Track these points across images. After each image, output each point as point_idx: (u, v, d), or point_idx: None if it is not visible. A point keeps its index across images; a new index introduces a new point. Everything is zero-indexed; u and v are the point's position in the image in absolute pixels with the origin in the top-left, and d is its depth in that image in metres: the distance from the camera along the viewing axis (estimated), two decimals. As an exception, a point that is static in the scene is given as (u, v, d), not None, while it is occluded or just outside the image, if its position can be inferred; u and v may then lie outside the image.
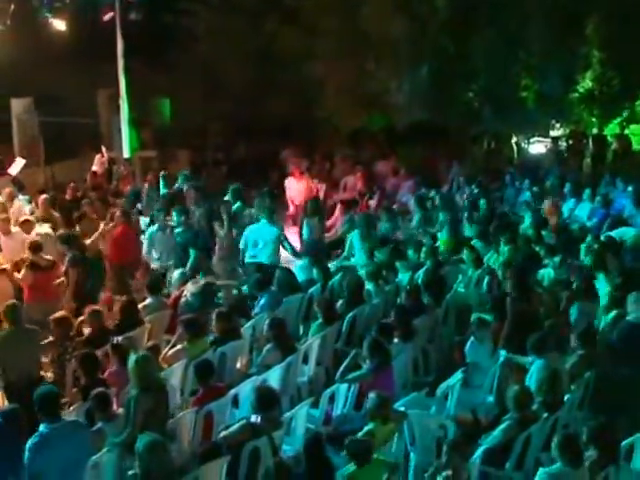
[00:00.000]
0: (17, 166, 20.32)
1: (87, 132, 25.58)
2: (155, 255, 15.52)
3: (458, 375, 10.79)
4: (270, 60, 23.96)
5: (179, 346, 11.59)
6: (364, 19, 21.25)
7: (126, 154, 20.64)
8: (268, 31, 24.07)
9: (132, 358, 9.52)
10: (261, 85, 24.42)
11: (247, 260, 15.11)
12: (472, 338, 11.54)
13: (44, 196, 16.52)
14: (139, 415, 9.22)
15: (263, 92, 24.31)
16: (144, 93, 25.24)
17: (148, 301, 13.20)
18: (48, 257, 14.12)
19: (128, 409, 9.32)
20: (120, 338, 11.88)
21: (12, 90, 23.79)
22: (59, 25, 20.90)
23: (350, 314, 12.62)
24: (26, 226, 15.33)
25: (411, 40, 20.34)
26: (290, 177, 20.22)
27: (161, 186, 18.90)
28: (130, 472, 8.45)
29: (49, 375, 11.53)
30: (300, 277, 14.19)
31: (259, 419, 9.08)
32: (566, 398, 9.97)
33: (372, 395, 9.38)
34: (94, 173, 19.30)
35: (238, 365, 12.04)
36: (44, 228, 15.53)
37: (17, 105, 23.92)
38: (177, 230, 15.63)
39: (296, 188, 19.84)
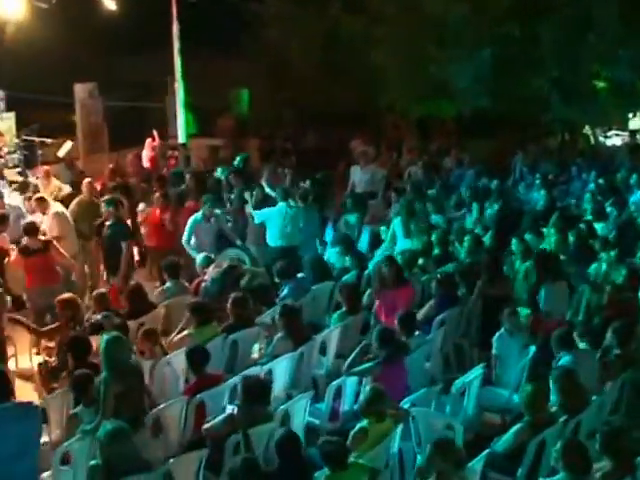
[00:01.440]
0: (64, 149, 19.92)
1: (156, 117, 25.14)
2: (193, 244, 14.64)
3: (477, 370, 9.83)
4: (335, 47, 23.16)
5: (185, 332, 10.88)
6: (426, 2, 20.24)
7: (181, 139, 20.03)
8: (332, 17, 23.24)
9: (102, 339, 8.81)
10: (327, 72, 23.61)
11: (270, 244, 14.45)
12: (502, 329, 10.56)
13: (88, 180, 15.92)
14: (109, 400, 8.53)
15: (330, 79, 23.50)
16: (216, 80, 24.79)
17: (167, 285, 12.53)
18: (41, 238, 13.35)
19: (99, 394, 8.62)
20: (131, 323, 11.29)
21: (75, 75, 23.38)
22: (109, 4, 20.18)
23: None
24: (41, 204, 14.80)
25: (474, 23, 19.28)
26: (354, 166, 19.47)
27: (218, 173, 18.23)
28: (92, 462, 7.71)
29: (52, 360, 10.89)
30: (336, 264, 13.33)
31: (235, 410, 8.29)
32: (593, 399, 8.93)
33: (367, 388, 8.52)
34: (137, 157, 18.56)
35: (256, 355, 11.23)
36: (57, 207, 14.96)
37: (81, 90, 23.53)
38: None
39: (359, 177, 19.05)
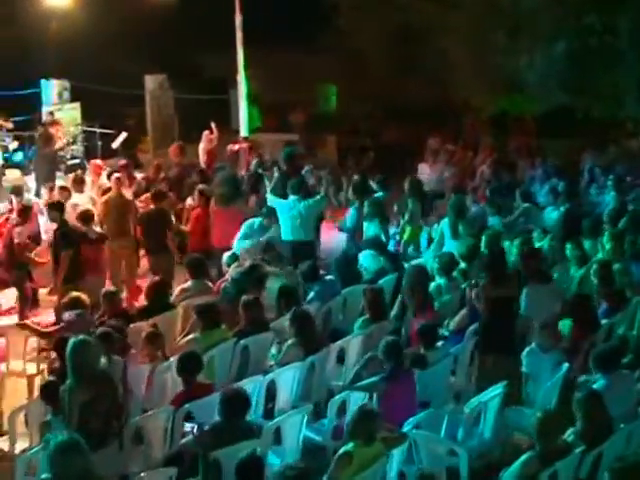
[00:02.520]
0: (119, 140, 19.44)
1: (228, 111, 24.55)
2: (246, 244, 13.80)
3: (496, 389, 8.82)
4: (409, 37, 22.19)
5: (191, 336, 10.12)
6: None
7: (244, 132, 19.32)
8: (405, 5, 22.24)
9: (69, 342, 8.08)
10: (402, 65, 22.66)
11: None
12: (533, 344, 9.52)
13: (116, 175, 15.10)
14: (74, 409, 7.80)
15: (405, 72, 22.55)
16: (289, 74, 24.06)
17: (188, 284, 11.78)
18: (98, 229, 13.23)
19: (64, 402, 7.91)
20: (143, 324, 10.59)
21: (146, 66, 22.89)
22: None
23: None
24: (62, 194, 14.53)
25: (549, 12, 18.05)
26: (423, 163, 18.56)
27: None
28: (42, 475, 7.00)
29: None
30: (371, 267, 12.39)
31: (196, 429, 7.50)
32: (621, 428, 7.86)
33: (355, 407, 7.64)
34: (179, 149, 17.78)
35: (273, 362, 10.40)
36: (75, 198, 14.65)
37: (151, 82, 23.04)
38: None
39: (427, 175, 18.13)
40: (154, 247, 13.94)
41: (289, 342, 9.80)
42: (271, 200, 13.77)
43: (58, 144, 18.39)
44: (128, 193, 15.03)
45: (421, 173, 18.30)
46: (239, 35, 18.32)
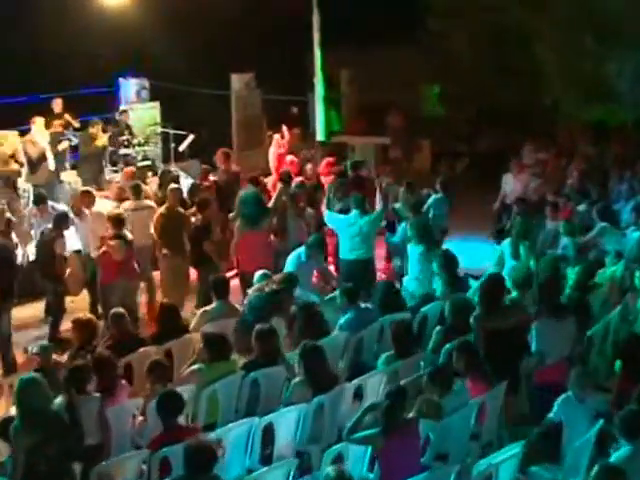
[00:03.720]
0: (186, 143, 18.76)
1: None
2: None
3: (513, 448, 7.70)
4: (500, 41, 20.95)
5: (195, 367, 9.27)
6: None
7: (320, 136, 18.39)
8: (496, 8, 20.99)
9: (18, 379, 7.33)
10: (494, 68, 21.44)
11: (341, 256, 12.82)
12: (568, 393, 8.38)
13: (173, 186, 14.21)
14: (19, 452, 7.05)
15: (500, 76, 21.30)
16: (382, 75, 23.07)
17: (212, 306, 10.94)
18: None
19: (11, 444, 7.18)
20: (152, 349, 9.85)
21: (233, 65, 22.15)
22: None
23: (448, 346, 9.69)
24: (87, 199, 13.81)
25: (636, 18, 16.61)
26: (507, 174, 17.32)
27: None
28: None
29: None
30: (417, 292, 11.30)
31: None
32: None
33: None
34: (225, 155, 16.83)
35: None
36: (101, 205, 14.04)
37: (237, 81, 22.28)
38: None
39: (511, 187, 16.93)
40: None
41: (295, 380, 8.91)
42: (329, 216, 12.85)
43: (99, 142, 17.61)
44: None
45: (505, 183, 17.10)
46: (316, 36, 17.38)
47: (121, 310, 10.22)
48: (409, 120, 23.56)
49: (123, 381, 8.95)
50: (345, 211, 13.12)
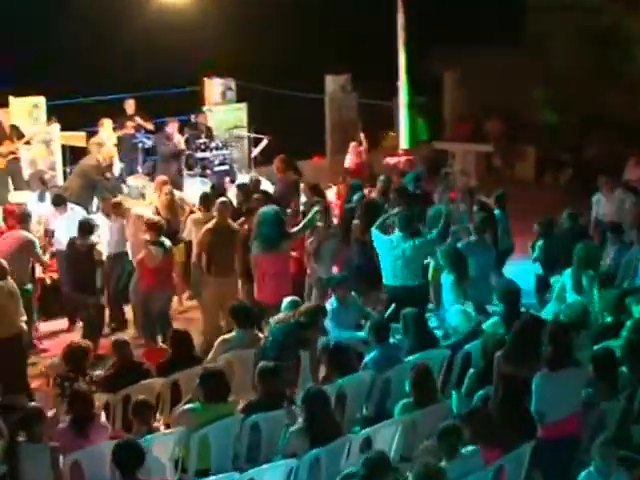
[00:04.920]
0: (259, 147, 17.97)
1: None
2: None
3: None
4: (604, 44, 19.46)
5: (189, 406, 8.42)
6: None
7: (404, 144, 17.30)
8: (598, 9, 19.51)
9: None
10: (599, 73, 19.96)
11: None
12: (591, 468, 7.19)
13: (222, 200, 13.19)
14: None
15: (605, 83, 19.84)
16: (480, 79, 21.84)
17: (231, 334, 10.08)
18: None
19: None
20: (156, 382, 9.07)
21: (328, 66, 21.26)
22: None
23: (481, 392, 8.62)
24: (118, 209, 13.28)
25: None
26: (597, 194, 15.84)
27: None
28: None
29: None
30: (460, 327, 10.14)
31: None
32: None
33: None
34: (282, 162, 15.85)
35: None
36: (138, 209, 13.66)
37: (331, 82, 21.37)
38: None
39: (604, 208, 15.37)
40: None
41: (294, 428, 7.96)
42: (374, 236, 11.79)
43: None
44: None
45: (597, 202, 15.61)
46: (401, 36, 16.30)
47: (124, 337, 9.46)
48: (512, 126, 22.25)
49: (103, 420, 8.16)
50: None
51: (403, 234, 11.50)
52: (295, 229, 12.15)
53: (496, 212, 13.22)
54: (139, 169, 17.30)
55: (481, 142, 21.50)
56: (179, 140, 17.08)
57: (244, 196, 13.83)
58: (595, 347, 9.24)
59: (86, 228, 12.32)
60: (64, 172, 17.80)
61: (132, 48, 19.09)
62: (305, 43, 20.64)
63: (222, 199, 12.84)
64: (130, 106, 17.57)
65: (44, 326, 13.28)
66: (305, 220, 12.31)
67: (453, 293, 11.01)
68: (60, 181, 17.51)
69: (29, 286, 12.00)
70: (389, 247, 11.51)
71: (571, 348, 8.26)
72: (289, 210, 13.59)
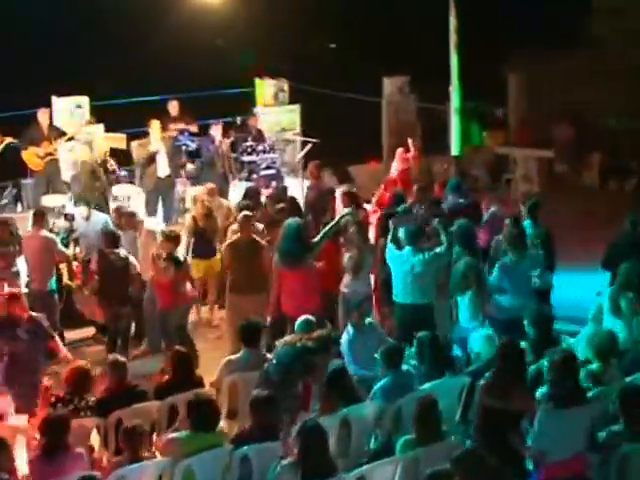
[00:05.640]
0: (303, 152, 17.53)
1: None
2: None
3: None
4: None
5: (174, 435, 7.90)
6: None
7: (454, 151, 16.57)
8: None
9: None
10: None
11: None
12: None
13: (245, 214, 12.66)
14: None
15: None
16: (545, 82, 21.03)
17: (237, 355, 9.53)
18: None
19: None
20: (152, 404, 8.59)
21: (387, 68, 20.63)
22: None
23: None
24: (132, 220, 12.91)
25: None
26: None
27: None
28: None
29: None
30: (484, 353, 9.40)
31: None
32: None
33: None
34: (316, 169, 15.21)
35: None
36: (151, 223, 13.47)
37: (389, 84, 20.72)
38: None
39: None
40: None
41: (285, 462, 7.36)
42: (388, 250, 11.13)
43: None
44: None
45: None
46: (453, 38, 15.58)
47: (121, 359, 8.97)
48: (579, 132, 21.37)
49: (80, 449, 7.66)
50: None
51: (412, 248, 10.84)
52: (316, 239, 11.49)
53: (526, 223, 12.48)
54: (182, 173, 16.78)
55: (543, 147, 20.71)
56: (224, 143, 16.49)
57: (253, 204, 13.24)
58: (627, 379, 8.53)
59: (111, 238, 12.01)
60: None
61: (181, 48, 18.71)
62: (362, 43, 20.00)
63: (245, 213, 12.21)
64: (174, 107, 17.12)
65: (68, 334, 12.82)
66: (326, 228, 11.63)
67: (470, 310, 10.38)
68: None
69: (53, 286, 11.93)
70: (399, 262, 10.88)
71: (579, 383, 7.52)
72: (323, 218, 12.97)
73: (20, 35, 17.57)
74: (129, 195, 16.13)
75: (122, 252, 11.94)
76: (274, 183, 16.85)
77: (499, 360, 8.05)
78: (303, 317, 9.84)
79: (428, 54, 19.74)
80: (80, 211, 13.09)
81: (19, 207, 16.25)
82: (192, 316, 12.65)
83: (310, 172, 14.79)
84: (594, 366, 8.72)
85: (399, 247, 11.04)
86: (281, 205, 12.97)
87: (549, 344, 9.07)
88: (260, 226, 12.49)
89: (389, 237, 11.16)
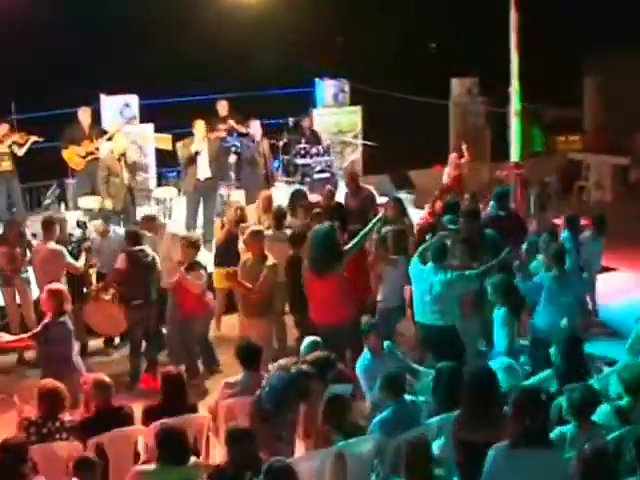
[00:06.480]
0: (353, 155, 16.84)
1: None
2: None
3: None
4: None
5: (141, 467, 7.27)
6: None
7: (514, 157, 15.66)
8: None
9: None
10: None
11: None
12: None
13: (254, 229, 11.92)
14: None
15: None
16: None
17: (236, 377, 8.88)
18: None
19: None
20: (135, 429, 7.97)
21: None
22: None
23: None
24: (152, 225, 12.29)
25: None
26: None
27: None
28: None
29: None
30: (502, 384, 8.50)
31: None
32: None
33: None
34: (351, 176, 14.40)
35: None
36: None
37: (457, 86, 19.91)
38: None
39: None
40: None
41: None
42: (412, 265, 10.33)
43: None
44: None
45: None
46: (513, 37, 14.66)
47: (107, 380, 8.35)
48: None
49: (40, 477, 7.08)
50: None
51: (435, 265, 10.05)
52: (348, 246, 10.67)
53: (565, 235, 11.59)
54: (231, 174, 16.18)
55: (619, 154, 19.64)
56: (264, 142, 15.76)
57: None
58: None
59: (135, 237, 11.50)
60: (158, 175, 17.04)
61: (238, 47, 18.14)
62: (428, 42, 19.17)
63: (254, 228, 11.43)
64: (223, 107, 16.57)
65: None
66: (359, 236, 10.78)
67: (504, 329, 9.55)
68: (152, 185, 16.78)
69: None
70: (419, 279, 10.16)
71: (546, 424, 6.61)
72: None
73: (70, 34, 17.17)
74: (171, 197, 15.61)
75: (148, 249, 11.49)
76: (327, 187, 16.12)
77: (469, 387, 7.22)
78: (311, 338, 9.15)
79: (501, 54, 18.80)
80: (96, 226, 12.47)
81: (62, 207, 15.82)
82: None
83: (350, 178, 14.05)
84: (623, 402, 7.85)
85: (425, 262, 10.26)
86: (316, 210, 12.22)
87: (577, 375, 8.22)
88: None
89: (418, 250, 10.38)
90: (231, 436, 7.16)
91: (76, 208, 15.26)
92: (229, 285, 11.81)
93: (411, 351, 11.17)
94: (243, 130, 16.20)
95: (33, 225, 13.99)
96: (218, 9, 17.75)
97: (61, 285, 10.36)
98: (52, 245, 11.44)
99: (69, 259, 11.50)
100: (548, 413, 6.87)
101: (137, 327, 11.55)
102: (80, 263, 11.61)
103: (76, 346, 10.19)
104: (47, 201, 15.71)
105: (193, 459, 7.23)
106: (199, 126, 15.04)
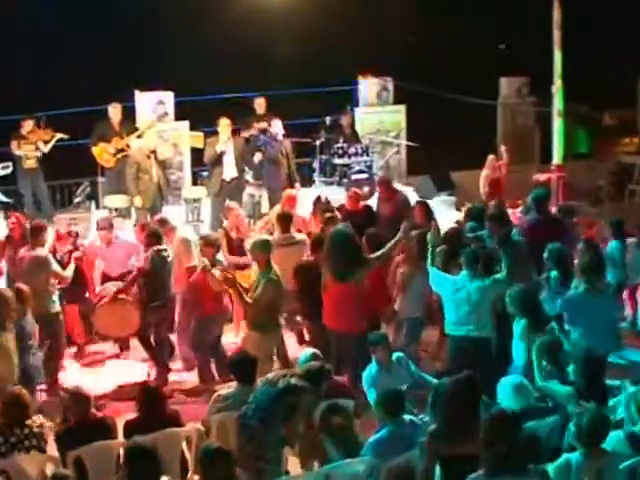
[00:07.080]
0: (388, 155, 16.18)
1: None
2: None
3: None
4: None
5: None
6: None
7: (556, 158, 15.02)
8: None
9: None
10: None
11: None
12: None
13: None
14: None
15: None
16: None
17: (228, 390, 8.44)
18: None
19: None
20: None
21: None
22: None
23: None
24: (164, 227, 11.90)
25: None
26: None
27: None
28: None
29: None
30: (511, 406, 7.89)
31: None
32: None
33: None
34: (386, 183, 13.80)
35: None
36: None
37: (506, 85, 19.27)
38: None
39: None
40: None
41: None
42: (432, 274, 9.75)
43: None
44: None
45: None
46: (557, 35, 14.03)
47: (85, 392, 7.99)
48: None
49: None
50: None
51: (469, 272, 9.47)
52: (375, 254, 10.18)
53: (613, 245, 10.91)
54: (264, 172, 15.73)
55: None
56: (285, 142, 15.27)
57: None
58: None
59: (155, 236, 11.27)
60: (193, 174, 16.69)
61: (282, 44, 17.76)
62: (477, 41, 18.58)
63: (259, 238, 10.90)
64: (260, 105, 16.12)
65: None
66: (387, 247, 10.22)
67: (523, 342, 8.96)
68: (187, 184, 16.44)
69: (57, 308, 10.94)
70: (452, 289, 9.53)
71: (520, 449, 6.05)
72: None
73: (103, 32, 16.97)
74: (199, 197, 15.25)
75: (169, 249, 11.33)
76: (366, 189, 15.63)
77: (450, 399, 6.78)
78: (310, 351, 8.64)
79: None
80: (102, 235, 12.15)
81: (93, 206, 15.55)
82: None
83: (385, 184, 13.54)
84: (637, 427, 7.26)
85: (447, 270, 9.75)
86: (329, 215, 11.74)
87: (597, 394, 7.65)
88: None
89: (429, 258, 9.81)
90: (202, 456, 6.73)
91: (105, 207, 14.98)
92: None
93: (434, 361, 10.78)
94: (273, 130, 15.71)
95: (59, 223, 13.79)
96: (257, 7, 17.37)
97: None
98: (38, 252, 10.90)
99: (55, 267, 10.97)
100: (523, 437, 6.31)
101: (150, 330, 11.28)
102: (68, 272, 11.20)
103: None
104: (77, 199, 15.50)
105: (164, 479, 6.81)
106: (224, 126, 14.66)
